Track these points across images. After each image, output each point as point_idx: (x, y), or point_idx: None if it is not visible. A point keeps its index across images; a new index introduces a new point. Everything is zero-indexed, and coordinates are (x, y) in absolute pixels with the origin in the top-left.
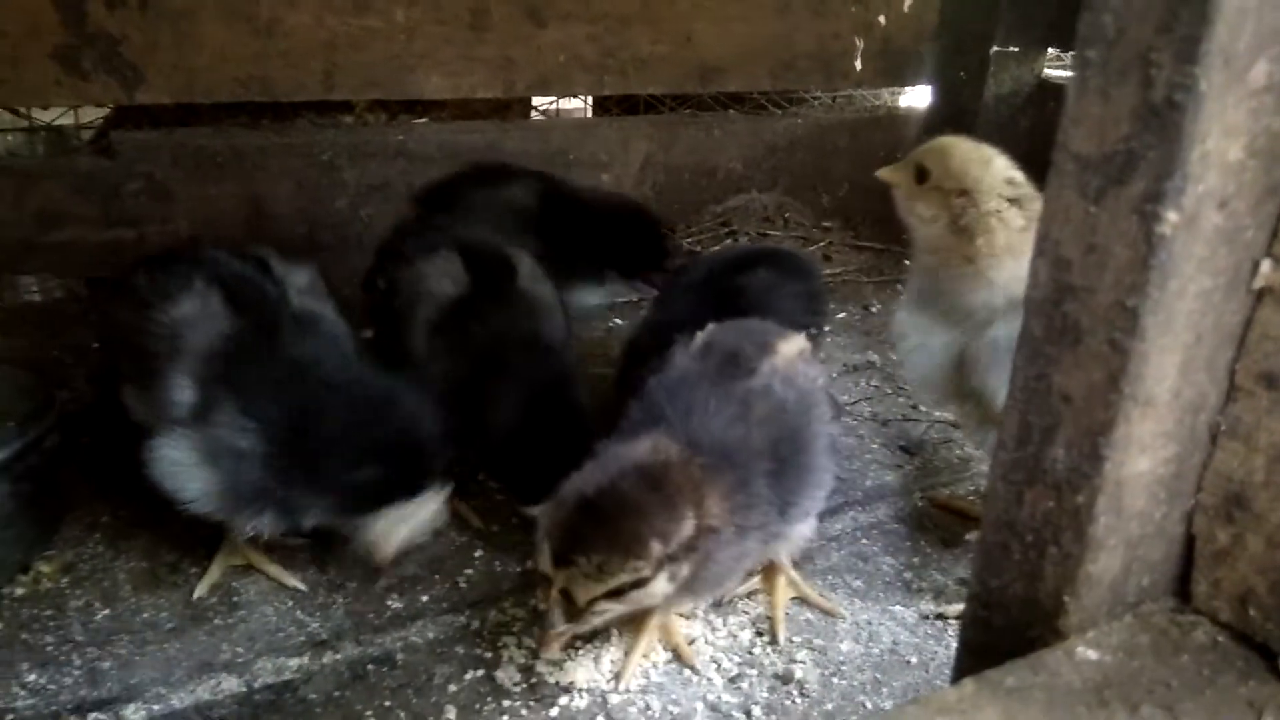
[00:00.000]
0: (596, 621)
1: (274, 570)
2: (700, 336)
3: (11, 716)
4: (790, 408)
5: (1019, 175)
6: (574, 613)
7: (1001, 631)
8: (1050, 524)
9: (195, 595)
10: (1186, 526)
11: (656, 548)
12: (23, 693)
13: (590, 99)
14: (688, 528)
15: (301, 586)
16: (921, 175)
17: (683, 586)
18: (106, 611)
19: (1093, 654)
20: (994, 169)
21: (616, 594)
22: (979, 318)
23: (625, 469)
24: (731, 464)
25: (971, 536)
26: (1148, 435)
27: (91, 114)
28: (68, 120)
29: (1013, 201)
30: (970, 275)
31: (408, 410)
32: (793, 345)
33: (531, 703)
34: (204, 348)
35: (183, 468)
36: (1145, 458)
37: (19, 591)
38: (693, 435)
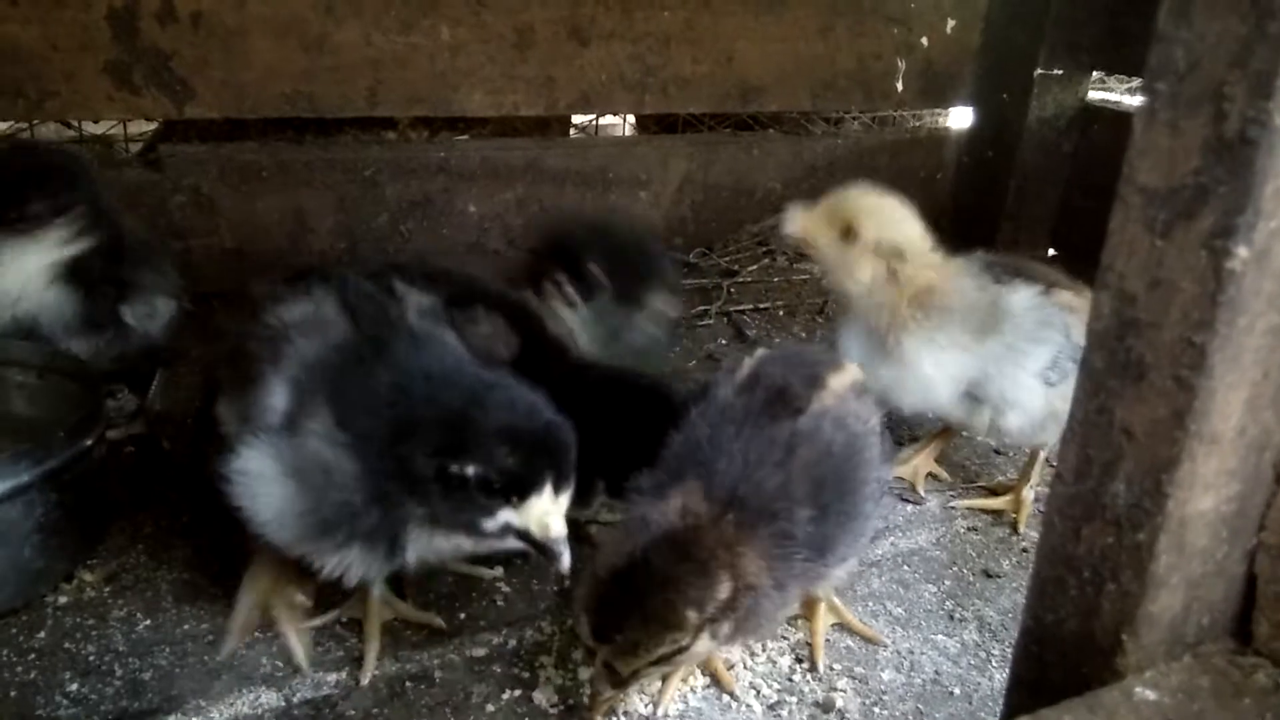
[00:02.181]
0: (644, 682)
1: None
2: (745, 366)
3: None
4: (837, 451)
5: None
6: (619, 681)
7: (1054, 667)
8: (1109, 560)
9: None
10: (1248, 566)
11: (693, 617)
12: (65, 702)
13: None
14: (724, 590)
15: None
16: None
17: (726, 639)
18: (148, 622)
19: (1151, 694)
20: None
21: (658, 662)
22: None
23: (655, 539)
24: (771, 516)
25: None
26: (1212, 473)
27: (134, 126)
28: (115, 133)
29: None
30: None
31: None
32: (844, 378)
33: None
34: (309, 354)
35: (262, 481)
36: (1209, 496)
37: (63, 600)
38: (731, 485)
